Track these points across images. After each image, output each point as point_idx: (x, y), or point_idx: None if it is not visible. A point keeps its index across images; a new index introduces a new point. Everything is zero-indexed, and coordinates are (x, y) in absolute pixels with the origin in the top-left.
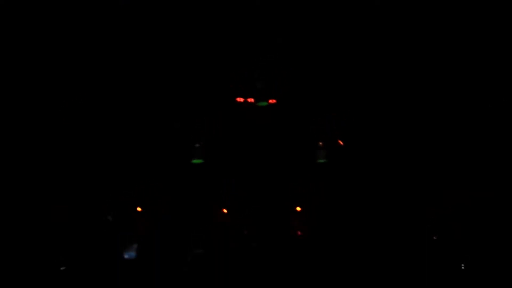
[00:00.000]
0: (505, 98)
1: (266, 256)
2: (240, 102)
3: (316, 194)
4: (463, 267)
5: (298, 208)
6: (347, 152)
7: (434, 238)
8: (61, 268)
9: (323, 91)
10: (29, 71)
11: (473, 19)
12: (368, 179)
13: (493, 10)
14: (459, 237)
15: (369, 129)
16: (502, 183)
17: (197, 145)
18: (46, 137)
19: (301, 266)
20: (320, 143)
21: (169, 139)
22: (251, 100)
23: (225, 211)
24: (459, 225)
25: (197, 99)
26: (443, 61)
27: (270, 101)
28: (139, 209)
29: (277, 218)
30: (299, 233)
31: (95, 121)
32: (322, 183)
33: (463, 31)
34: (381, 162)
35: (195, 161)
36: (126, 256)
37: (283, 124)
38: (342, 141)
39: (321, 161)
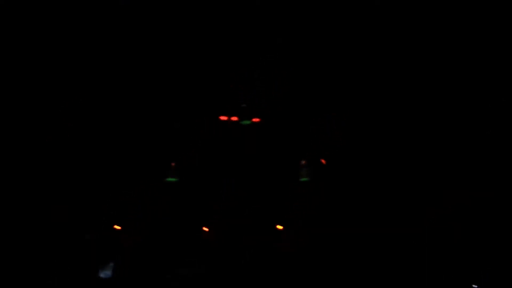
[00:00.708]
0: (505, 98)
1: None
2: (223, 121)
3: (300, 211)
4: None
5: (280, 227)
6: (333, 169)
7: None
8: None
9: (309, 106)
10: (29, 71)
11: (473, 19)
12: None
13: (493, 10)
14: (459, 237)
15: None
16: (502, 184)
17: (173, 164)
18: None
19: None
20: (303, 162)
21: (146, 155)
22: (234, 118)
23: (206, 229)
24: (459, 225)
25: (181, 115)
26: (443, 61)
27: (254, 119)
28: (117, 227)
29: (261, 235)
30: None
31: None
32: (305, 201)
33: (463, 31)
34: (377, 175)
35: (170, 179)
36: (101, 275)
37: (266, 142)
38: (324, 160)
39: (304, 179)
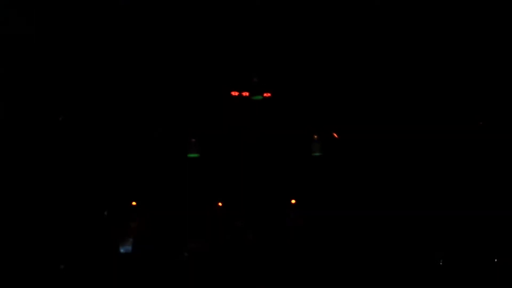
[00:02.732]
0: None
1: (262, 248)
2: (235, 96)
3: (311, 187)
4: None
5: (293, 201)
6: (343, 145)
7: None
8: (61, 266)
9: (320, 85)
10: (29, 71)
11: (473, 19)
12: (365, 172)
13: (493, 10)
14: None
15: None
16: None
17: (193, 140)
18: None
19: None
20: (315, 136)
21: (163, 134)
22: (246, 94)
23: (220, 204)
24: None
25: (193, 93)
26: (442, 61)
27: (265, 94)
28: (134, 203)
29: (273, 211)
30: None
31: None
32: (317, 176)
33: (463, 31)
34: (378, 156)
35: (191, 155)
36: (122, 250)
37: (278, 117)
38: (337, 134)
39: (316, 154)
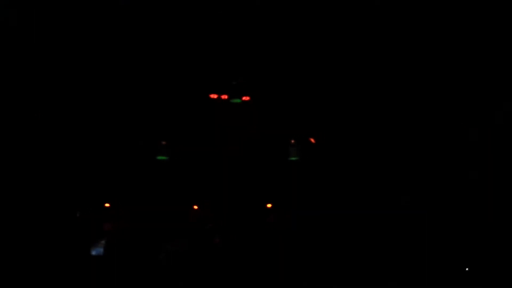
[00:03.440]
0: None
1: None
2: (213, 99)
3: (289, 190)
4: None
5: (269, 205)
6: (320, 149)
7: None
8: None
9: (300, 91)
10: (28, 71)
11: (473, 19)
12: (344, 175)
13: (492, 10)
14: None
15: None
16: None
17: (163, 142)
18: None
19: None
20: (292, 141)
21: (137, 135)
22: (224, 97)
23: (195, 207)
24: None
25: (169, 94)
26: (442, 62)
27: (244, 98)
28: (107, 205)
29: (250, 214)
30: (312, 140)
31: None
32: (294, 180)
33: (463, 32)
34: (356, 159)
35: (160, 157)
36: (93, 253)
37: (256, 121)
38: (313, 139)
39: (293, 158)
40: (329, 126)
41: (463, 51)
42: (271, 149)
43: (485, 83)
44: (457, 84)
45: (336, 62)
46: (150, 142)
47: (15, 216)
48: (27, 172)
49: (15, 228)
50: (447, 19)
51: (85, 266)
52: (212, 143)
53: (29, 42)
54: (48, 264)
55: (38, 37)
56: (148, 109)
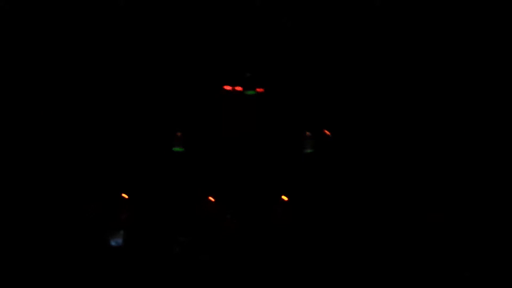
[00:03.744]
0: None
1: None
2: (227, 90)
3: (302, 184)
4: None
5: (285, 198)
6: (335, 142)
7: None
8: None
9: (314, 82)
10: (28, 71)
11: (473, 20)
12: (357, 169)
13: (493, 10)
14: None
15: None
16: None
17: (178, 133)
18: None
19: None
20: (308, 133)
21: (153, 126)
22: (239, 88)
23: (211, 199)
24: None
25: (184, 86)
26: (442, 62)
27: (258, 90)
28: (125, 196)
29: (262, 207)
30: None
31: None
32: (309, 173)
33: (464, 32)
34: (371, 153)
35: (176, 149)
36: (112, 244)
37: (270, 113)
38: (329, 132)
39: (309, 151)
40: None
41: (463, 51)
42: (284, 141)
43: (485, 83)
44: (460, 85)
45: (348, 58)
46: (165, 133)
47: (31, 207)
48: (43, 162)
49: (31, 219)
50: (447, 19)
51: (102, 257)
52: (224, 134)
53: (28, 42)
54: (64, 254)
55: (37, 36)
56: (162, 101)
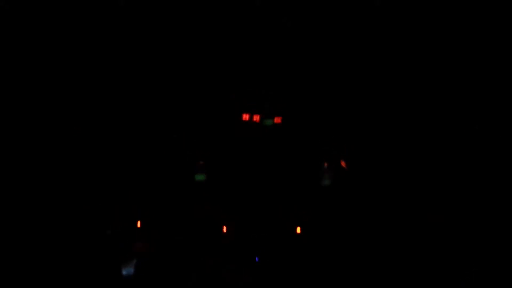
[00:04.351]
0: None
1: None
2: (245, 120)
3: (318, 217)
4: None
5: (298, 229)
6: (352, 175)
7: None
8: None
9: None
10: (28, 71)
11: (474, 20)
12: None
13: (493, 11)
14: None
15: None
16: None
17: (201, 162)
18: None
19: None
20: (326, 164)
21: (170, 155)
22: (256, 118)
23: (224, 229)
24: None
25: (200, 113)
26: (442, 62)
27: (276, 120)
28: (138, 224)
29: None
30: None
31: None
32: (326, 206)
33: (464, 33)
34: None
35: (198, 177)
36: (124, 273)
37: (287, 144)
38: (345, 164)
39: (326, 183)
40: (359, 149)
41: (463, 51)
42: (301, 172)
43: (485, 83)
44: (460, 85)
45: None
46: (186, 161)
47: (43, 229)
48: (59, 185)
49: (43, 242)
50: (447, 19)
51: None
52: (242, 163)
53: (28, 42)
54: (77, 282)
55: (37, 36)
56: (181, 128)
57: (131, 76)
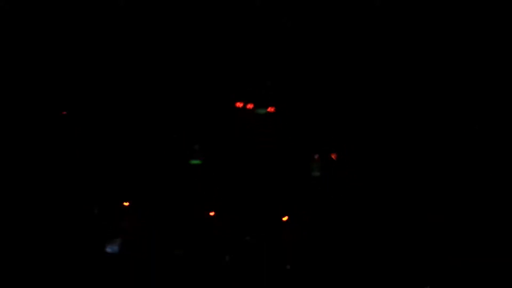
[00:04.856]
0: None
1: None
2: (239, 107)
3: (308, 205)
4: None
5: (285, 218)
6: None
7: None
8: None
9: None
10: (28, 71)
11: (474, 20)
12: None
13: (493, 11)
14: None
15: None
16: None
17: (196, 146)
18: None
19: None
20: (316, 156)
21: (166, 138)
22: (250, 105)
23: (212, 214)
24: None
25: (197, 100)
26: (442, 63)
27: (269, 109)
28: (126, 204)
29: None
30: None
31: (92, 119)
32: (315, 195)
33: (464, 33)
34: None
35: (193, 162)
36: (108, 250)
37: (280, 133)
38: (335, 155)
39: (316, 174)
40: (351, 141)
41: (463, 51)
42: (292, 162)
43: (485, 83)
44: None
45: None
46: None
47: (32, 212)
48: (46, 168)
49: (30, 224)
50: (447, 19)
51: (99, 264)
52: (233, 151)
53: (28, 42)
54: (62, 260)
55: (37, 36)
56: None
57: (129, 64)
